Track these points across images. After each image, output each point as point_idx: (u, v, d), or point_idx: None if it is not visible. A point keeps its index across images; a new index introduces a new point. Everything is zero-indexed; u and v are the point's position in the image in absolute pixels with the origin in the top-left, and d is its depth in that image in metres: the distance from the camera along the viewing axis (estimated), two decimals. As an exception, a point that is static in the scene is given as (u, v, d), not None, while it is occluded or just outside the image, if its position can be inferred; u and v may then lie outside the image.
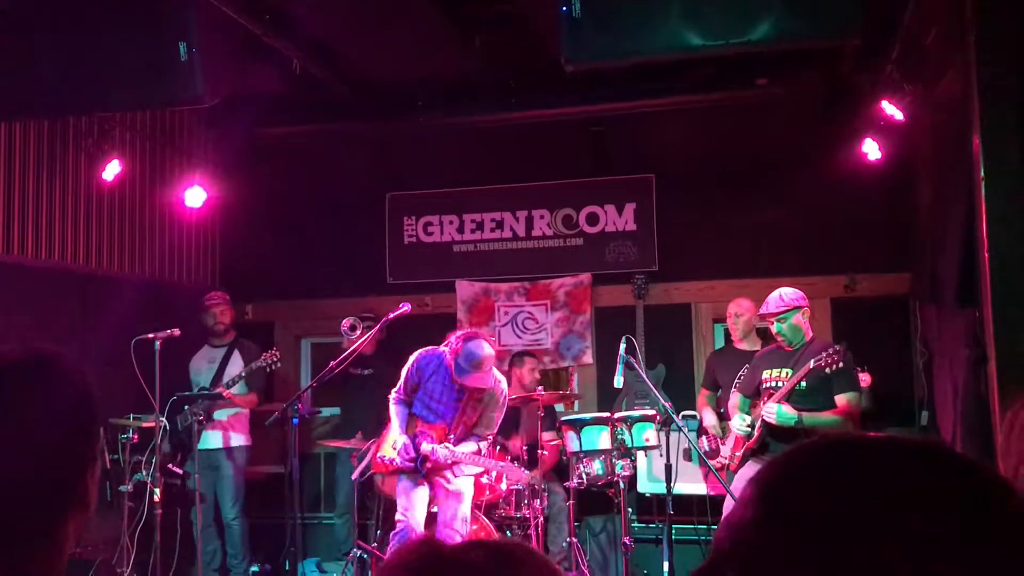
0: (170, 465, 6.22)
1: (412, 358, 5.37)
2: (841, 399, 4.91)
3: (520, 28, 6.10)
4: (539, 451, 6.20)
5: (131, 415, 6.25)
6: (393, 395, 5.39)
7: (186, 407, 6.36)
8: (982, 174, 4.31)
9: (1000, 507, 0.83)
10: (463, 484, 5.31)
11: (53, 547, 1.27)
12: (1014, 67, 4.24)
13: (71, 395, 1.37)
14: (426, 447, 5.14)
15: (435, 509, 5.35)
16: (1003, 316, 4.20)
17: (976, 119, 4.34)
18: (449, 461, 5.17)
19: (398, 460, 5.21)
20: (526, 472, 5.57)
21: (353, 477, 5.93)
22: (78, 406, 1.37)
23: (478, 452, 5.28)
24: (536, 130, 7.67)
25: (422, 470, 5.20)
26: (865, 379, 4.98)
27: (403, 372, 5.37)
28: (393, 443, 5.29)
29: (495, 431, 5.41)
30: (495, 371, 5.27)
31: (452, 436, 5.21)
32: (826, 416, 4.87)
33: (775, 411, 4.90)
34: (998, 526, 0.81)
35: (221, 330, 6.89)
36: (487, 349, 5.05)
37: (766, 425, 5.04)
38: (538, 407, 6.11)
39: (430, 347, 5.39)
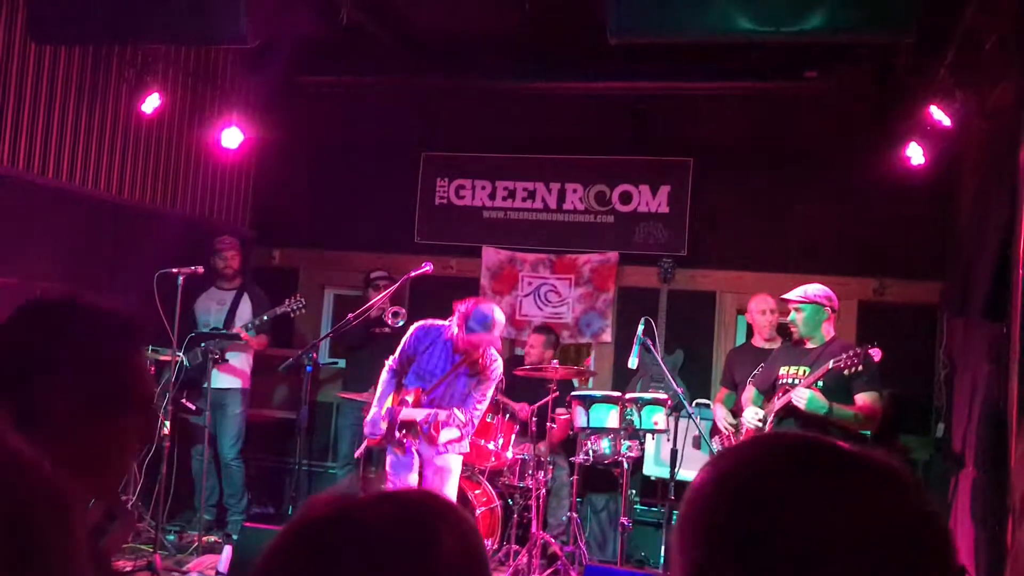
0: (184, 400, 6.27)
1: (412, 328, 5.37)
2: (862, 398, 4.85)
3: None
4: (548, 424, 6.18)
5: (149, 347, 6.31)
6: (388, 362, 5.39)
7: (202, 344, 6.39)
8: (1026, 188, 4.21)
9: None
10: (450, 462, 5.28)
11: None
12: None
13: None
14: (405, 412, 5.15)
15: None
16: (1030, 334, 4.12)
17: (1025, 131, 4.25)
18: (403, 419, 5.14)
19: (367, 431, 5.25)
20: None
21: (356, 455, 5.90)
22: None
23: (440, 416, 5.12)
24: (577, 102, 7.59)
25: (398, 437, 5.16)
26: (876, 353, 4.81)
27: (402, 341, 5.37)
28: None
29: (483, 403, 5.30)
30: (494, 351, 5.26)
31: (425, 398, 5.17)
32: (851, 410, 4.82)
33: (807, 396, 4.76)
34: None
35: (229, 274, 6.89)
36: (499, 314, 5.16)
37: (778, 419, 5.00)
38: (551, 380, 6.08)
39: (431, 320, 5.38)
